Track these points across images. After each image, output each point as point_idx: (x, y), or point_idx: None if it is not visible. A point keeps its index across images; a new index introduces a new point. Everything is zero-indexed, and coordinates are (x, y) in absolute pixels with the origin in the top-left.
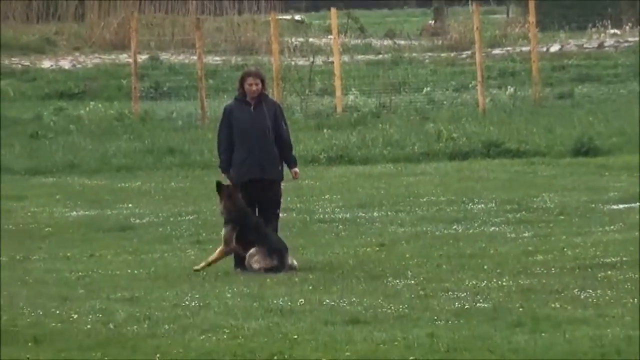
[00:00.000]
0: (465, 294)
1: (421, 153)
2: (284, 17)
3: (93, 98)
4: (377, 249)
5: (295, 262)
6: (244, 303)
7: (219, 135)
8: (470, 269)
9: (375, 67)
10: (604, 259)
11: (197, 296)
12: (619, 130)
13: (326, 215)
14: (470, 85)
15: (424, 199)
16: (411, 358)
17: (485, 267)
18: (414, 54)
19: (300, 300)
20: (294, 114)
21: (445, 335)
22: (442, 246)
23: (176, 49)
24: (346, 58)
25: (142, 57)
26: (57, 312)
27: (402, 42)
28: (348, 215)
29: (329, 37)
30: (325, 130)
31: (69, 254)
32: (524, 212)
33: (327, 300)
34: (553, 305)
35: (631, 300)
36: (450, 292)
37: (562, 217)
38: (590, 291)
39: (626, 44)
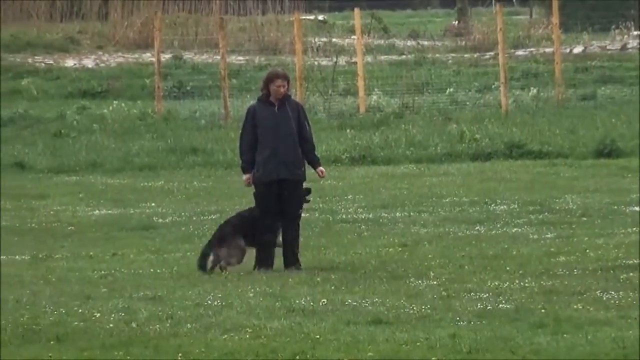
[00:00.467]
0: (487, 294)
1: (444, 154)
2: (308, 17)
3: (116, 97)
4: (400, 249)
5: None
6: (266, 303)
7: (242, 136)
8: (493, 270)
9: (398, 68)
10: (626, 261)
11: (220, 295)
12: None
13: (349, 216)
14: (493, 86)
15: (447, 200)
16: (433, 359)
17: (508, 268)
18: (437, 55)
19: (322, 300)
20: (316, 114)
21: (467, 336)
22: (465, 247)
23: (199, 49)
24: (369, 58)
25: (166, 57)
26: (80, 310)
27: (426, 43)
28: (371, 216)
29: (353, 37)
30: (348, 131)
31: (91, 253)
32: (546, 214)
33: (350, 301)
34: (575, 306)
35: None
36: (472, 293)
37: (585, 219)
38: (613, 292)
39: None
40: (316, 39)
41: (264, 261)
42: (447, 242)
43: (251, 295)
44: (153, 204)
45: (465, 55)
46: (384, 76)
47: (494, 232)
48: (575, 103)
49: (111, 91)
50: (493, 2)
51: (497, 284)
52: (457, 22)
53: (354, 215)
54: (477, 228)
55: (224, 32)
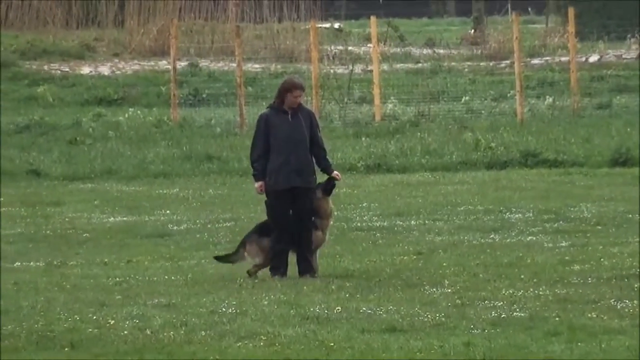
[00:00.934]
0: (501, 303)
1: (459, 162)
2: (324, 25)
3: (132, 104)
4: (415, 257)
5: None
6: (280, 310)
7: (254, 144)
8: (507, 278)
9: (414, 76)
10: None
11: (234, 303)
12: None
13: (364, 224)
14: (508, 95)
15: (462, 208)
16: None
17: (522, 276)
18: (453, 63)
19: (337, 308)
20: (332, 122)
21: (481, 344)
22: (479, 255)
23: (215, 56)
24: (385, 66)
25: (182, 64)
26: (94, 317)
27: (442, 51)
28: (385, 224)
29: (369, 45)
30: (363, 139)
31: (106, 260)
32: (561, 222)
33: (364, 308)
34: (589, 315)
35: None
36: (486, 301)
37: (599, 227)
38: (627, 301)
39: None
40: (332, 47)
41: (277, 269)
42: (462, 250)
43: (265, 302)
44: (168, 212)
45: (481, 64)
46: (399, 84)
47: (508, 240)
48: (590, 112)
49: (127, 98)
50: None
51: (511, 292)
52: (473, 30)
53: (369, 223)
54: (491, 236)
55: (240, 39)
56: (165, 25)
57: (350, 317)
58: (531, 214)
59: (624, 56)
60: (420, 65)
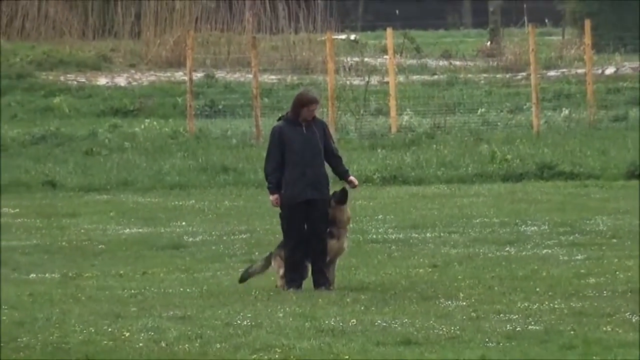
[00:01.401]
0: (517, 316)
1: (475, 174)
2: (340, 36)
3: (148, 115)
4: (430, 270)
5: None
6: (295, 323)
7: (268, 156)
8: (522, 291)
9: (430, 88)
10: None
11: (249, 315)
12: None
13: (379, 236)
14: (525, 107)
15: (477, 221)
16: None
17: (537, 289)
18: (469, 75)
19: (352, 321)
20: (348, 133)
21: (496, 357)
22: (495, 268)
23: (232, 67)
24: (401, 78)
25: (198, 75)
26: (109, 329)
27: (458, 63)
28: (401, 236)
29: (385, 56)
30: (379, 150)
31: (121, 272)
32: (576, 235)
33: (379, 321)
34: (605, 328)
35: None
36: (502, 314)
37: (615, 240)
38: None
39: None
40: (348, 59)
41: (293, 281)
42: (477, 263)
43: (281, 315)
44: (184, 223)
45: (497, 76)
46: (415, 96)
47: (524, 253)
48: (606, 124)
49: (143, 109)
50: (525, 22)
51: (526, 305)
52: (489, 42)
53: (385, 236)
54: (507, 249)
55: (256, 50)
56: (181, 36)
57: (365, 329)
58: (547, 227)
59: None
60: (436, 77)
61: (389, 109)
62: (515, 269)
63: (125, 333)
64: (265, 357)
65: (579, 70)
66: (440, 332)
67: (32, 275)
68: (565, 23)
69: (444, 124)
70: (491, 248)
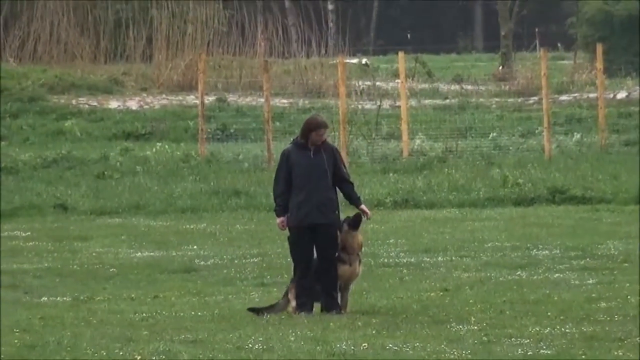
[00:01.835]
0: (528, 340)
1: (486, 198)
2: (352, 60)
3: (160, 139)
4: (441, 293)
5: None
6: (307, 346)
7: (276, 179)
8: (534, 315)
9: (442, 112)
10: None
11: (261, 339)
12: None
13: (391, 260)
14: (536, 131)
15: (489, 245)
16: None
17: (549, 313)
18: (481, 99)
19: (363, 345)
20: (360, 157)
21: None
22: (506, 292)
23: (243, 91)
24: (413, 102)
25: (209, 99)
26: (121, 353)
27: (469, 87)
28: (412, 260)
29: (397, 80)
30: (391, 174)
31: (133, 295)
32: (588, 259)
33: (391, 345)
34: (616, 352)
35: None
36: (513, 339)
37: (626, 265)
38: None
39: None
40: (360, 82)
41: (304, 305)
42: (489, 287)
43: (292, 338)
44: (195, 247)
45: (509, 100)
46: (427, 120)
47: (535, 277)
48: (618, 148)
49: (155, 133)
50: (537, 46)
51: (538, 329)
52: (501, 66)
53: (396, 259)
54: (518, 273)
55: (268, 74)
56: (193, 60)
57: (376, 353)
58: (558, 251)
59: None
60: (448, 101)
61: (400, 132)
62: (526, 293)
63: (136, 357)
64: None
65: (591, 95)
66: (452, 356)
67: (43, 298)
68: (577, 47)
69: (455, 148)
70: (503, 272)
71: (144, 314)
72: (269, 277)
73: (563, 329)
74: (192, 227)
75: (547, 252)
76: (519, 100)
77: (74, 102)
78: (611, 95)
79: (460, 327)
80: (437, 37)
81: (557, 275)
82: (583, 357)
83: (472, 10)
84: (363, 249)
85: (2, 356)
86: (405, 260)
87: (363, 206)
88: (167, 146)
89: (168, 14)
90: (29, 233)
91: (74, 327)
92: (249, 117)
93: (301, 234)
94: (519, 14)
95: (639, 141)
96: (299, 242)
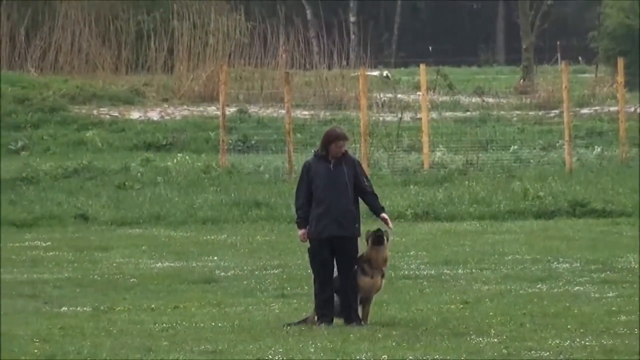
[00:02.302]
0: (548, 353)
1: (507, 211)
2: (373, 72)
3: (181, 150)
4: (461, 306)
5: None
6: (327, 357)
7: (298, 191)
8: (554, 328)
9: (463, 124)
10: None
11: (281, 350)
12: None
13: (411, 272)
14: (557, 144)
15: (509, 257)
16: None
17: (569, 326)
18: (502, 112)
19: (383, 357)
20: (381, 169)
21: None
22: (526, 305)
23: (265, 103)
24: (434, 114)
25: (231, 110)
26: None
27: (491, 100)
28: (433, 272)
29: (418, 93)
30: (411, 187)
31: (153, 306)
32: (608, 272)
33: (411, 357)
34: None
35: None
36: (533, 351)
37: None
38: None
39: None
40: (381, 95)
41: (324, 316)
42: (509, 300)
43: (312, 350)
44: (215, 258)
45: (530, 113)
46: (448, 132)
47: (555, 290)
48: (639, 162)
49: (176, 144)
50: (559, 59)
51: (558, 342)
52: (522, 79)
53: (417, 272)
54: (538, 286)
55: (289, 86)
56: (214, 71)
57: None
58: (578, 264)
59: None
60: (469, 113)
61: (421, 145)
62: (546, 306)
63: None
64: None
65: (612, 108)
66: None
67: (63, 308)
68: (598, 61)
69: (476, 160)
70: (523, 285)
71: (164, 325)
72: (289, 288)
73: (583, 342)
74: (212, 238)
75: (567, 265)
76: (540, 113)
77: (95, 112)
78: (632, 109)
79: (480, 339)
80: (458, 50)
81: (577, 288)
82: None
83: (493, 23)
84: (388, 263)
85: None
86: (425, 273)
87: (384, 214)
88: (188, 157)
89: (189, 25)
90: (50, 243)
91: (94, 337)
92: (270, 129)
93: (321, 246)
94: (540, 27)
95: None
96: (319, 254)
